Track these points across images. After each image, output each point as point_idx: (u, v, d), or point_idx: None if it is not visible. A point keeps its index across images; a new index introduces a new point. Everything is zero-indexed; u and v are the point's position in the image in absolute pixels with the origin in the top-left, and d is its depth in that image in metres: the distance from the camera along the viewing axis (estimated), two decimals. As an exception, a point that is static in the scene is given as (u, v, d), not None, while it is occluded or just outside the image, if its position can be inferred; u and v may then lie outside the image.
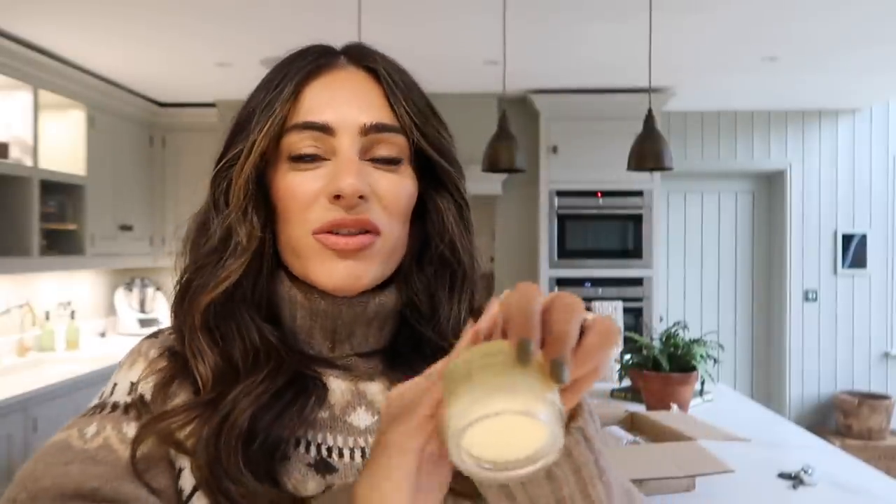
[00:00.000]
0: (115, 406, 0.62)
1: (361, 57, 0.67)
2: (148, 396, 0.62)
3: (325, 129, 0.62)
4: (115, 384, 0.65)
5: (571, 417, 0.50)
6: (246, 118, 0.65)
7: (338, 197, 0.61)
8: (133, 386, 0.64)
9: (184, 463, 0.59)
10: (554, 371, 0.41)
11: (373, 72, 0.66)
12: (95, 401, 0.65)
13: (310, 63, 0.65)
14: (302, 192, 0.63)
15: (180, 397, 0.62)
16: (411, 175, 0.66)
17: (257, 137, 0.62)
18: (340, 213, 0.62)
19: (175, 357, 0.65)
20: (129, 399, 0.63)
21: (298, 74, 0.64)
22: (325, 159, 0.63)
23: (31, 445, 3.08)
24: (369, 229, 0.63)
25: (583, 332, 0.44)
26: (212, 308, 0.63)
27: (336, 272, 0.63)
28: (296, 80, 0.63)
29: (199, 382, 0.61)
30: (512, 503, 0.50)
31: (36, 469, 0.57)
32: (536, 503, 0.50)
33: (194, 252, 0.66)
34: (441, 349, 0.67)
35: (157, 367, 0.64)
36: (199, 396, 0.60)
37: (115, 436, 0.60)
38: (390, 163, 0.64)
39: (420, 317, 0.68)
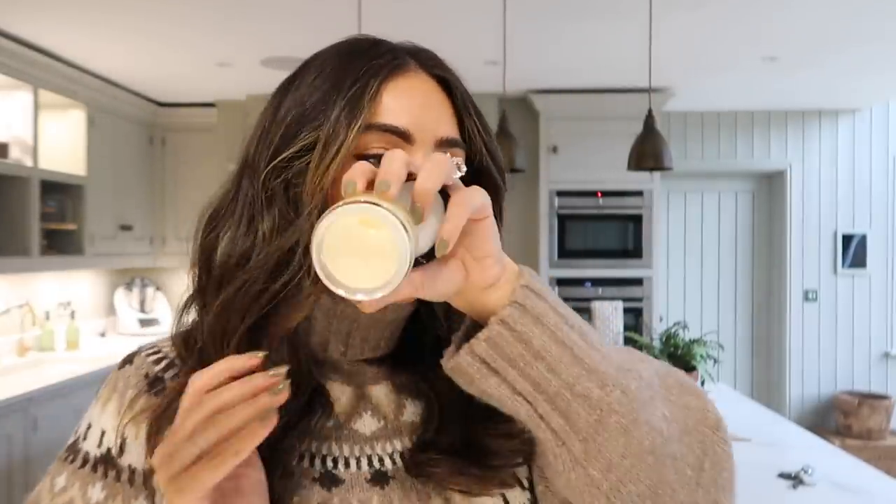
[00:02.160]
0: (85, 459, 0.63)
1: (433, 65, 0.64)
2: (115, 451, 0.62)
3: (404, 136, 0.59)
4: (89, 426, 0.64)
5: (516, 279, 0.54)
6: (314, 106, 0.59)
7: None
8: (103, 435, 0.63)
9: None
10: (376, 186, 0.47)
11: (443, 82, 0.64)
12: (72, 437, 0.65)
13: (387, 62, 0.61)
14: None
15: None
16: None
17: (347, 135, 0.57)
18: None
19: (157, 386, 0.63)
20: (97, 453, 0.63)
21: (380, 73, 0.60)
22: None
23: (31, 445, 3.08)
24: None
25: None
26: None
27: None
28: (378, 77, 0.60)
29: None
30: (494, 375, 0.52)
31: None
32: (516, 364, 0.51)
33: (229, 247, 0.61)
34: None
35: (134, 411, 0.62)
36: None
37: (79, 498, 0.61)
38: None
39: (434, 319, 0.67)
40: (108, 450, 0.62)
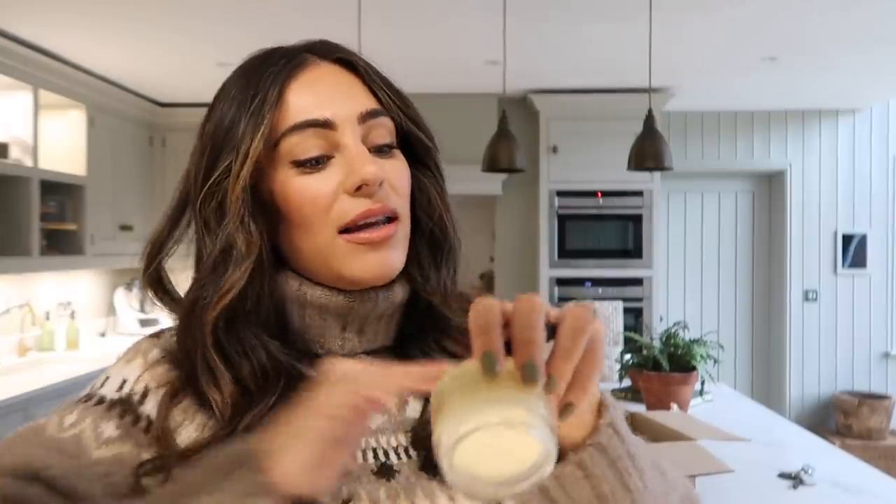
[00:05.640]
0: (100, 400, 0.62)
1: (329, 51, 0.66)
2: (136, 398, 0.62)
3: (326, 125, 0.62)
4: (108, 377, 0.65)
5: (599, 414, 0.51)
6: (227, 130, 0.63)
7: (359, 188, 0.61)
8: (124, 383, 0.63)
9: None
10: (525, 374, 0.41)
11: (344, 63, 0.66)
12: (86, 390, 0.65)
13: (283, 66, 0.63)
14: (319, 194, 0.62)
15: (184, 403, 0.62)
16: (403, 158, 0.67)
17: (251, 145, 0.60)
18: (366, 203, 0.62)
19: (177, 363, 0.64)
20: (115, 396, 0.62)
21: (279, 78, 0.63)
22: (329, 157, 0.62)
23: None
24: (392, 216, 0.63)
25: (557, 327, 0.45)
26: (219, 326, 0.61)
27: (372, 264, 0.63)
28: (278, 84, 0.62)
29: (216, 410, 0.60)
30: (547, 499, 0.51)
31: (1, 446, 0.58)
32: (576, 501, 0.50)
33: (192, 284, 0.65)
34: (449, 332, 0.68)
35: (157, 373, 0.64)
36: (217, 432, 0.59)
37: (89, 431, 0.60)
38: (387, 149, 0.65)
39: (430, 309, 0.69)
40: (129, 395, 0.63)
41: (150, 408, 0.62)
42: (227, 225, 0.61)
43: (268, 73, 0.63)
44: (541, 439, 0.41)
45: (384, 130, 0.65)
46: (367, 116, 0.63)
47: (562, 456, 0.49)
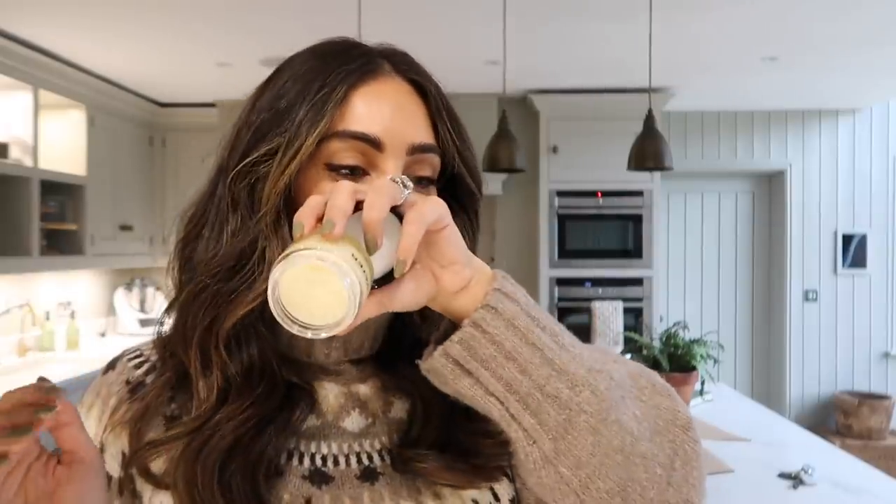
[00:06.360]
0: None
1: (407, 68, 0.64)
2: None
3: (375, 144, 0.59)
4: None
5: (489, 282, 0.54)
6: (281, 111, 0.60)
7: None
8: None
9: (164, 499, 0.59)
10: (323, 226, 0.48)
11: (418, 86, 0.64)
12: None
13: (358, 67, 0.61)
14: None
15: (153, 433, 0.62)
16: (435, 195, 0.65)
17: (304, 141, 0.58)
18: None
19: (138, 391, 0.64)
20: None
21: (349, 78, 0.60)
22: (365, 172, 0.60)
23: (31, 445, 3.08)
24: None
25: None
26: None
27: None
28: (347, 83, 0.60)
29: (196, 399, 0.60)
30: (467, 376, 0.53)
31: None
32: (488, 365, 0.52)
33: (202, 249, 0.62)
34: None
35: (115, 419, 0.63)
36: (184, 422, 0.59)
37: None
38: (426, 182, 0.63)
39: (411, 323, 0.67)
40: None
41: (107, 465, 0.63)
42: (262, 219, 0.59)
43: (341, 68, 0.60)
44: (341, 281, 0.46)
45: (429, 165, 0.62)
46: (417, 149, 0.61)
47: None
